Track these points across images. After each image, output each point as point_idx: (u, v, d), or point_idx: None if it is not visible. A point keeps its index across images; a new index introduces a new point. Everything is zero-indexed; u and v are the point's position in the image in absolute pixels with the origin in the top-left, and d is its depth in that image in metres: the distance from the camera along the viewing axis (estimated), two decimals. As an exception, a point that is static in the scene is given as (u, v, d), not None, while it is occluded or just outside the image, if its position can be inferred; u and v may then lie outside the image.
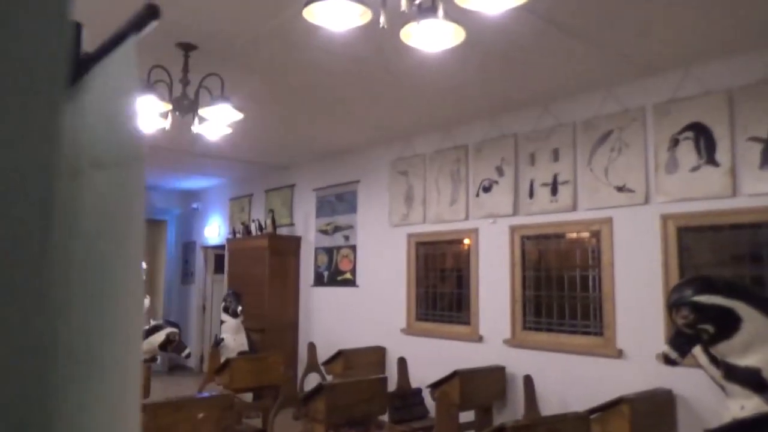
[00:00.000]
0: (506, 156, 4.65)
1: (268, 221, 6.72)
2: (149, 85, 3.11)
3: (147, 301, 8.59)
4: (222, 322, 6.07)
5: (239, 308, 6.01)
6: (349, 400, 3.73)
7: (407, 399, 4.69)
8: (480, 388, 4.27)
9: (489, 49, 3.38)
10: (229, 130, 3.62)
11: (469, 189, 4.93)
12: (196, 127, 3.45)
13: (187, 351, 4.92)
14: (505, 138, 4.68)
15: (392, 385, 5.19)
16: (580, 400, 3.80)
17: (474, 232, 4.86)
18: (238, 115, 3.32)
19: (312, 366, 5.99)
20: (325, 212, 6.48)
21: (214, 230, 8.27)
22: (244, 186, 7.85)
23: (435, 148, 5.26)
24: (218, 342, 5.89)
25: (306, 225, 6.75)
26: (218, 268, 8.31)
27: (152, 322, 5.12)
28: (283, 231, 6.99)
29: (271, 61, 3.60)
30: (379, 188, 5.81)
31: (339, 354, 5.31)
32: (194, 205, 8.87)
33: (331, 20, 2.08)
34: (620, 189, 3.93)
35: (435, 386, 4.24)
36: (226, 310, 6.09)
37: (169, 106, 3.20)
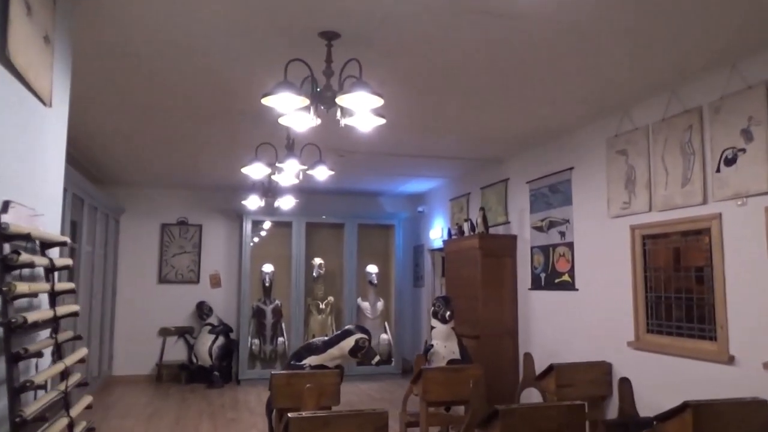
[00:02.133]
0: (756, 113, 3.42)
1: (479, 220, 6.23)
2: (286, 82, 2.95)
3: (381, 304, 8.85)
4: (432, 327, 5.78)
5: (448, 313, 5.65)
6: (532, 430, 3.06)
7: (629, 431, 3.76)
8: (726, 428, 3.16)
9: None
10: (381, 121, 3.29)
11: (706, 163, 3.79)
12: (344, 120, 3.20)
13: (376, 359, 4.73)
14: (752, 90, 3.46)
15: (614, 411, 4.27)
16: None
17: (716, 219, 3.70)
18: (378, 102, 2.96)
19: (528, 380, 5.32)
20: (540, 206, 5.75)
21: (438, 232, 8.08)
22: (462, 185, 7.49)
23: (659, 116, 4.18)
24: (428, 349, 5.61)
25: (521, 222, 6.09)
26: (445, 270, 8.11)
27: (343, 328, 5.08)
28: (498, 230, 6.43)
29: (438, 39, 3.18)
30: (595, 174, 4.89)
31: (551, 369, 4.58)
32: (420, 209, 8.83)
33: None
34: None
35: (661, 419, 3.27)
36: (435, 315, 5.79)
37: (306, 101, 3.00)
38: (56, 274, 2.35)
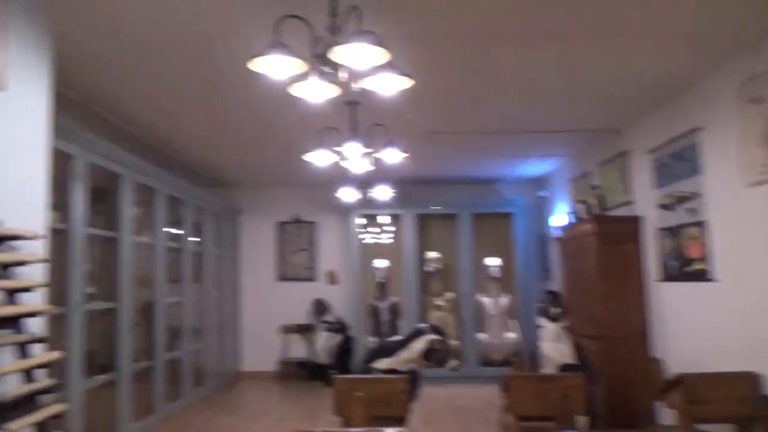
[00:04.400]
0: None
1: (594, 200, 5.30)
2: (277, 41, 2.53)
3: (504, 300, 8.07)
4: (539, 327, 5.01)
5: (558, 310, 4.86)
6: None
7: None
8: None
9: None
10: (406, 82, 2.73)
11: None
12: (359, 83, 2.70)
13: (453, 363, 4.13)
14: None
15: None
16: None
17: None
18: (382, 56, 2.42)
19: (655, 393, 4.34)
20: (665, 180, 4.70)
21: (561, 219, 7.16)
22: (581, 163, 6.52)
23: (807, 44, 3.09)
24: (532, 351, 4.87)
25: (644, 200, 5.06)
26: (571, 262, 7.14)
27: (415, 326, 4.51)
28: (621, 211, 5.44)
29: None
30: (727, 133, 3.82)
31: (678, 381, 3.65)
32: (541, 193, 7.93)
33: None
34: None
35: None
36: (543, 312, 5.02)
37: (304, 67, 2.55)
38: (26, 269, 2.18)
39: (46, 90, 2.61)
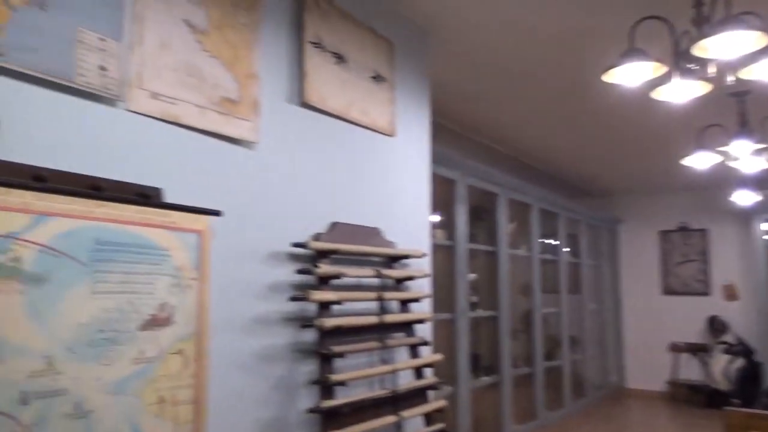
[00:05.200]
0: None
1: None
2: (634, 50, 2.40)
3: None
4: None
5: None
6: None
7: None
8: None
9: None
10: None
11: None
12: (734, 74, 2.34)
13: None
14: None
15: None
16: None
17: None
18: (764, 39, 2.03)
19: None
20: None
21: None
22: None
23: None
24: None
25: None
26: None
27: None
28: None
29: None
30: None
31: None
32: None
33: None
34: None
35: None
36: None
37: (663, 69, 2.35)
38: (408, 283, 2.62)
39: (426, 129, 3.06)
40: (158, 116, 1.77)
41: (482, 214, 5.08)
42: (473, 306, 4.67)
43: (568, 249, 6.72)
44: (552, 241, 6.38)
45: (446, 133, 4.57)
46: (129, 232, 1.57)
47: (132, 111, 1.71)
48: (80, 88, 1.58)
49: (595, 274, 7.40)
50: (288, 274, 2.16)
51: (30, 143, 1.48)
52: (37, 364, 1.35)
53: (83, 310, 1.45)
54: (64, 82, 1.55)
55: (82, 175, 1.54)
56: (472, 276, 4.70)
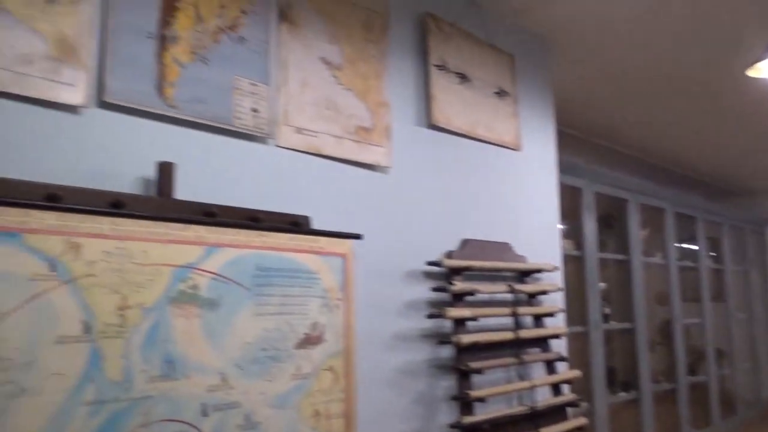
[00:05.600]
0: None
1: None
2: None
3: None
4: None
5: None
6: None
7: None
8: None
9: None
10: None
11: None
12: None
13: None
14: None
15: None
16: None
17: None
18: None
19: None
20: None
21: None
22: None
23: None
24: None
25: None
26: None
27: None
28: None
29: None
30: None
31: None
32: None
33: None
34: None
35: None
36: None
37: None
38: (540, 298, 2.60)
39: (552, 140, 3.02)
40: (303, 149, 1.92)
41: (611, 221, 4.88)
42: (606, 318, 4.49)
43: (713, 254, 6.25)
44: (691, 246, 5.96)
45: (569, 139, 4.46)
46: (284, 258, 1.72)
47: (281, 146, 1.87)
48: (237, 129, 1.76)
49: (741, 280, 6.80)
50: (424, 291, 2.23)
51: (200, 183, 1.67)
52: (213, 380, 1.52)
53: (248, 330, 1.61)
54: (224, 126, 1.73)
55: (243, 208, 1.71)
56: (602, 285, 4.52)
